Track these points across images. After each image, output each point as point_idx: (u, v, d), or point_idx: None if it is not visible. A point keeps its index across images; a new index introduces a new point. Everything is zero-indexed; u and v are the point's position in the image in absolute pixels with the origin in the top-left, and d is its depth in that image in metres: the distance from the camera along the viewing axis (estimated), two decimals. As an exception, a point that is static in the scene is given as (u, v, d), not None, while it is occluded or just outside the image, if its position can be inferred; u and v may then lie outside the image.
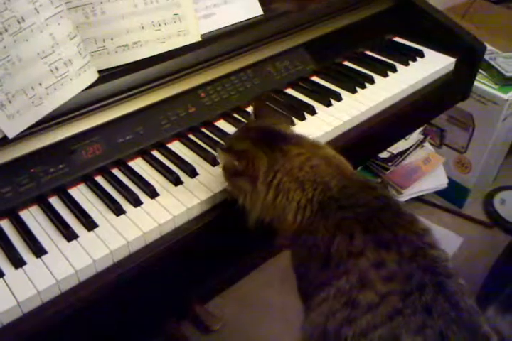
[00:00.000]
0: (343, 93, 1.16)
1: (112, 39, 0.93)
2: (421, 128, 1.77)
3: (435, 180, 1.85)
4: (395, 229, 0.73)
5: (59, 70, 0.84)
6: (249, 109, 1.11)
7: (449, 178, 1.85)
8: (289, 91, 1.19)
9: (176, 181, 0.92)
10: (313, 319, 0.74)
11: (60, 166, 0.88)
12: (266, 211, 0.82)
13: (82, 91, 0.89)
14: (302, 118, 1.08)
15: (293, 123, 1.07)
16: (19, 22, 0.79)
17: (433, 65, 1.28)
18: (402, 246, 0.71)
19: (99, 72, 0.93)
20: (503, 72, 1.72)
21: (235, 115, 1.10)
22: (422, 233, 0.75)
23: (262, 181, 0.79)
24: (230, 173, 0.84)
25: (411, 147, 1.79)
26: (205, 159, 0.98)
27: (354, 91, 1.17)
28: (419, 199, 1.98)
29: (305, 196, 0.78)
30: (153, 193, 0.89)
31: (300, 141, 0.84)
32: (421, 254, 0.71)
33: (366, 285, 0.69)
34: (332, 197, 0.77)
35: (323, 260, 0.75)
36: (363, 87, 1.19)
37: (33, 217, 0.85)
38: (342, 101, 1.15)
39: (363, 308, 0.68)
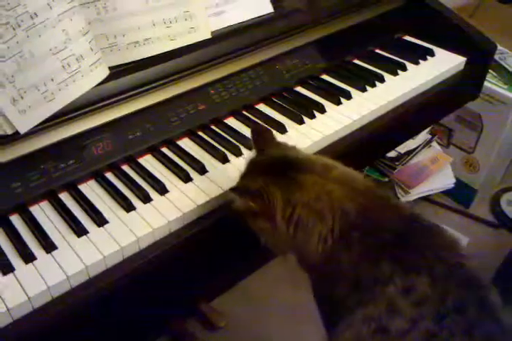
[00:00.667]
0: (353, 91, 1.16)
1: (123, 35, 0.93)
2: (429, 128, 1.77)
3: (442, 179, 1.84)
4: (424, 250, 0.70)
5: (71, 66, 0.84)
6: (259, 107, 1.12)
7: (456, 178, 1.85)
8: (299, 89, 1.18)
9: (186, 178, 0.92)
10: None
11: (71, 162, 0.88)
12: (287, 245, 0.79)
13: (93, 87, 0.89)
14: (312, 117, 1.08)
15: (302, 122, 1.07)
16: (32, 17, 0.79)
17: (443, 64, 1.28)
18: (434, 267, 0.68)
19: (110, 68, 0.93)
20: (512, 71, 1.71)
21: (245, 112, 1.10)
22: (452, 245, 0.73)
23: (281, 218, 0.75)
24: (247, 215, 0.79)
25: (418, 146, 1.79)
26: (215, 156, 0.98)
27: (364, 90, 1.17)
28: (426, 199, 1.97)
29: (325, 226, 0.74)
30: (163, 190, 0.89)
31: (310, 165, 0.79)
32: (456, 270, 0.69)
33: (395, 312, 0.66)
34: (353, 223, 0.73)
35: (350, 286, 0.72)
36: (373, 85, 1.19)
37: (43, 213, 0.85)
38: (352, 100, 1.14)
39: (393, 335, 0.66)
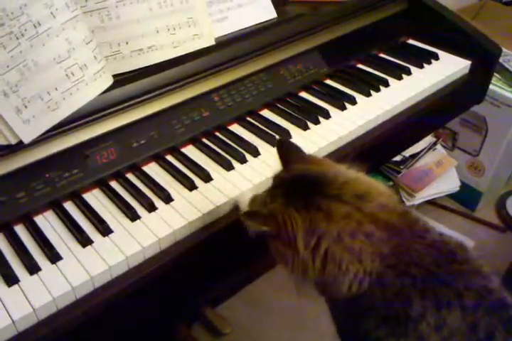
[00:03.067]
0: (358, 96, 1.16)
1: (126, 43, 0.92)
2: (433, 132, 1.76)
3: (447, 183, 1.84)
4: (453, 281, 0.67)
5: (75, 75, 0.84)
6: (263, 113, 1.11)
7: (461, 181, 1.84)
8: (303, 94, 1.18)
9: (191, 186, 0.91)
10: None
11: (75, 171, 0.88)
12: (311, 276, 0.71)
13: (97, 95, 0.89)
14: (317, 122, 1.07)
15: (307, 127, 1.06)
16: (35, 26, 0.79)
17: (448, 67, 1.27)
18: (465, 297, 0.66)
19: (114, 76, 0.93)
20: (517, 74, 1.70)
21: (249, 119, 1.09)
22: (477, 269, 0.70)
23: (304, 247, 0.69)
24: (264, 236, 0.73)
25: (423, 150, 1.78)
26: (220, 164, 0.97)
27: (369, 95, 1.16)
28: (431, 203, 1.97)
29: (363, 268, 0.68)
30: (167, 198, 0.88)
31: (340, 191, 0.70)
32: (485, 294, 0.66)
33: None
34: (389, 265, 0.69)
35: (381, 320, 0.69)
36: (378, 90, 1.18)
37: (47, 222, 0.84)
38: (356, 105, 1.14)
39: None
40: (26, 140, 0.80)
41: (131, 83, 0.93)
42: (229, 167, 0.96)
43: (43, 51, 0.80)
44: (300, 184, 0.72)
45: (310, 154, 0.81)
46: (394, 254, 0.69)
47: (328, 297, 0.79)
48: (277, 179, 0.77)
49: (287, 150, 0.80)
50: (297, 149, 0.80)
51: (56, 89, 0.82)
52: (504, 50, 1.72)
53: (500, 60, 1.70)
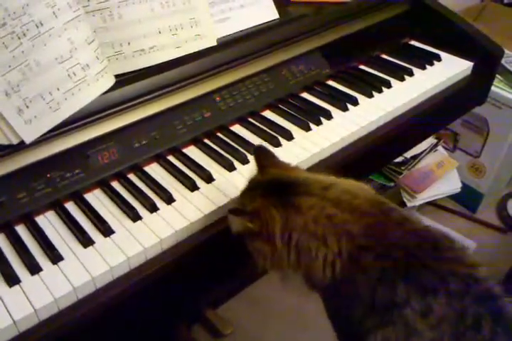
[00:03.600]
0: (360, 97, 1.15)
1: (128, 43, 0.92)
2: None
3: (448, 184, 1.83)
4: (438, 267, 0.68)
5: (77, 75, 0.84)
6: (265, 114, 1.11)
7: (462, 183, 1.84)
8: (305, 95, 1.18)
9: (193, 187, 0.91)
10: None
11: (76, 171, 0.88)
12: (293, 270, 0.77)
13: (99, 96, 0.89)
14: (319, 123, 1.07)
15: (309, 128, 1.06)
16: (37, 26, 0.78)
17: (450, 69, 1.27)
18: (450, 284, 0.66)
19: (116, 76, 0.92)
20: (519, 76, 1.70)
21: (250, 119, 1.09)
22: (462, 255, 0.71)
23: (280, 242, 0.74)
24: (245, 235, 0.78)
25: (424, 151, 1.78)
26: (221, 164, 0.97)
27: (371, 96, 1.16)
28: (432, 204, 1.97)
29: (330, 250, 0.72)
30: (169, 199, 0.88)
31: (308, 186, 0.77)
32: (472, 282, 0.67)
33: (413, 334, 0.65)
34: (363, 245, 0.70)
35: (368, 308, 0.70)
36: (380, 91, 1.18)
37: (49, 223, 0.84)
38: (358, 106, 1.14)
39: None
40: (28, 140, 0.80)
41: (133, 83, 0.93)
42: (230, 167, 0.96)
43: (45, 51, 0.80)
44: (275, 186, 0.78)
45: (283, 161, 0.86)
46: (367, 235, 0.71)
47: (314, 287, 0.79)
48: (253, 182, 0.83)
49: (263, 157, 0.85)
50: (272, 156, 0.86)
51: (58, 89, 0.82)
52: (506, 51, 1.72)
53: (502, 61, 1.69)
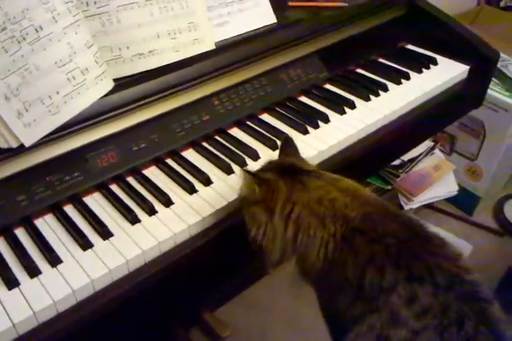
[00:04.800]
0: (357, 101, 1.16)
1: (127, 47, 0.93)
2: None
3: (445, 187, 1.84)
4: (427, 258, 0.70)
5: (76, 79, 0.84)
6: (263, 117, 1.11)
7: (459, 186, 1.85)
8: (303, 99, 1.18)
9: (191, 189, 0.91)
10: None
11: (76, 174, 0.88)
12: (287, 250, 0.79)
13: (98, 99, 0.89)
14: (316, 127, 1.08)
15: (307, 132, 1.07)
16: (37, 31, 0.79)
17: (447, 72, 1.28)
18: (437, 276, 0.68)
19: (115, 80, 0.93)
20: (514, 79, 1.71)
21: (249, 123, 1.09)
22: (454, 257, 0.72)
23: (280, 213, 0.77)
24: (247, 201, 0.82)
25: (421, 154, 1.78)
26: (220, 167, 0.97)
27: (368, 99, 1.17)
28: (429, 207, 1.97)
29: (327, 232, 0.75)
30: (168, 202, 0.89)
31: (320, 174, 0.83)
32: (457, 281, 0.68)
33: (398, 322, 0.67)
34: (356, 228, 0.74)
35: (355, 295, 0.72)
36: (377, 94, 1.19)
37: (48, 226, 0.85)
38: (356, 110, 1.14)
39: None
40: (27, 143, 0.80)
41: (131, 87, 0.94)
42: (229, 170, 0.96)
43: (45, 55, 0.81)
44: (291, 168, 0.83)
45: (303, 157, 0.90)
46: (363, 221, 0.74)
47: (306, 274, 0.81)
48: (270, 164, 0.87)
49: (288, 146, 0.90)
50: (296, 149, 0.90)
51: (57, 92, 0.83)
52: (501, 55, 1.73)
53: (498, 64, 1.71)
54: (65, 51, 0.83)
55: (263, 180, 0.79)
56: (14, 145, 0.79)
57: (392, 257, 0.71)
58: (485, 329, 0.65)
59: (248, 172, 0.80)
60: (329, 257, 0.75)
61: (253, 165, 0.97)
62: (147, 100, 0.96)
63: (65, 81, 0.83)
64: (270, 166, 0.86)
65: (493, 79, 1.72)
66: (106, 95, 0.91)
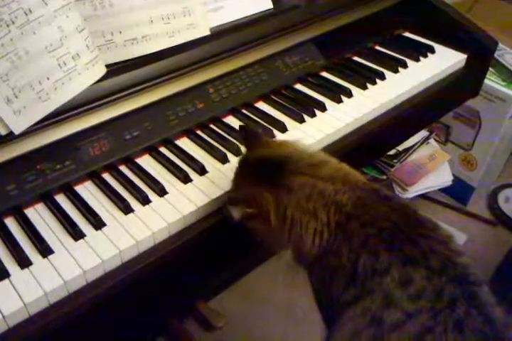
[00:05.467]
0: (354, 89, 1.14)
1: (120, 32, 0.90)
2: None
3: (440, 177, 1.83)
4: (420, 241, 0.70)
5: (67, 64, 0.82)
6: (258, 105, 1.10)
7: (453, 175, 1.84)
8: (299, 87, 1.16)
9: (185, 179, 0.90)
10: (337, 337, 0.71)
11: (67, 163, 0.86)
12: (285, 243, 0.80)
13: (90, 86, 0.87)
14: (313, 115, 1.06)
15: (303, 120, 1.05)
16: (26, 14, 0.76)
17: (444, 61, 1.26)
18: (430, 259, 0.68)
19: (107, 66, 0.91)
20: (511, 68, 1.70)
21: (244, 111, 1.07)
22: (446, 240, 0.72)
23: (275, 220, 0.77)
24: (246, 220, 0.81)
25: (416, 144, 1.77)
26: (214, 156, 0.96)
27: (365, 88, 1.15)
28: (424, 197, 1.97)
29: (320, 222, 0.75)
30: (162, 191, 0.87)
31: (298, 164, 0.79)
32: (450, 265, 0.68)
33: (391, 304, 0.67)
34: (349, 213, 0.74)
35: (349, 279, 0.72)
36: (374, 83, 1.17)
37: (38, 215, 0.83)
38: (353, 98, 1.13)
39: (389, 327, 0.65)
40: (17, 131, 0.78)
41: (124, 73, 0.92)
42: (224, 159, 0.94)
43: (34, 39, 0.78)
44: (265, 167, 0.80)
45: (269, 139, 0.89)
46: (355, 206, 0.74)
47: (303, 260, 0.81)
48: (243, 163, 0.85)
49: (250, 136, 0.88)
50: (258, 135, 0.89)
51: (48, 78, 0.80)
52: (499, 44, 1.72)
53: (495, 54, 1.69)
54: (55, 35, 0.80)
55: (249, 200, 0.78)
56: (3, 132, 0.77)
57: (385, 240, 0.71)
58: (475, 312, 0.65)
59: (232, 203, 0.80)
60: (324, 244, 0.75)
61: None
62: (140, 87, 0.93)
63: (55, 66, 0.81)
64: (246, 171, 0.83)
65: (490, 69, 1.71)
66: (98, 81, 0.88)
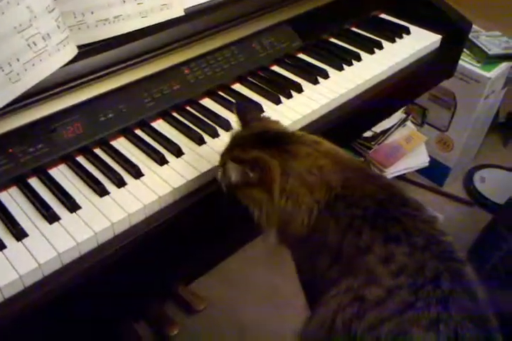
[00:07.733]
0: (330, 70, 1.14)
1: (92, 13, 0.88)
2: (403, 107, 1.76)
3: (417, 158, 1.85)
4: (404, 220, 0.71)
5: (37, 45, 0.80)
6: (235, 87, 1.09)
7: (430, 157, 1.86)
8: (275, 68, 1.16)
9: (161, 161, 0.89)
10: (321, 314, 0.72)
11: (40, 146, 0.85)
12: (276, 216, 0.78)
13: (61, 67, 0.85)
14: (289, 96, 1.06)
15: (279, 101, 1.05)
16: (-7, -7, 0.74)
17: (419, 42, 1.27)
18: (413, 237, 0.69)
19: (79, 47, 0.89)
20: (486, 50, 1.71)
21: (220, 93, 1.07)
22: (431, 220, 0.73)
23: (278, 190, 0.75)
24: (241, 185, 0.78)
25: (393, 126, 1.79)
26: (191, 138, 0.95)
27: (341, 69, 1.15)
28: (401, 178, 1.99)
29: (312, 198, 0.75)
30: (137, 173, 0.86)
31: (301, 138, 0.80)
32: (434, 242, 0.69)
33: (373, 282, 0.67)
34: (338, 195, 0.74)
35: (333, 258, 0.73)
36: (350, 64, 1.17)
37: (12, 199, 0.82)
38: (329, 79, 1.13)
39: (371, 304, 0.66)
40: (-13, 113, 0.76)
41: (97, 54, 0.90)
42: (200, 141, 0.94)
43: (3, 19, 0.76)
44: (267, 137, 0.80)
45: (264, 115, 0.89)
46: (344, 187, 0.75)
47: (289, 238, 0.81)
48: (239, 137, 0.83)
49: (245, 111, 0.86)
50: (254, 110, 0.90)
51: (17, 59, 0.78)
52: (474, 26, 1.73)
53: (470, 35, 1.70)
54: (24, 15, 0.78)
55: (254, 162, 0.75)
56: (-27, 115, 0.76)
57: (369, 218, 0.71)
58: (460, 289, 0.66)
59: (236, 160, 0.77)
60: (312, 224, 0.75)
61: (226, 136, 0.95)
62: (114, 68, 0.92)
63: (25, 47, 0.79)
64: (244, 142, 0.81)
65: (464, 50, 1.72)
66: (70, 63, 0.87)
